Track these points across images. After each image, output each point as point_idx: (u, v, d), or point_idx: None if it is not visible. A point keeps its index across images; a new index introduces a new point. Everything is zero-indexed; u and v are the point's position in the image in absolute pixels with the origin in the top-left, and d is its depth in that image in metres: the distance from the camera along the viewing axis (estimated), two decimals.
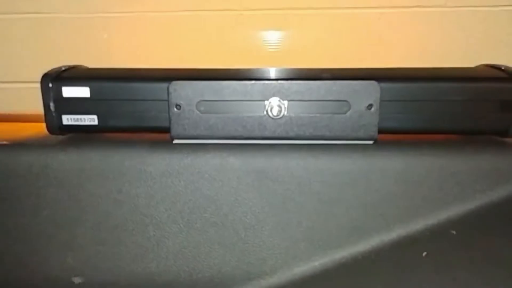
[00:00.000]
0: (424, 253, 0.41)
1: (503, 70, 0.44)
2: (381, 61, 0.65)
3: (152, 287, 0.45)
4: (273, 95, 0.43)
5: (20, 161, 0.44)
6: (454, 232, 0.42)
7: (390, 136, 0.45)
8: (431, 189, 0.43)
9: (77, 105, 0.44)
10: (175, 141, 0.45)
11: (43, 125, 0.46)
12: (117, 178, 0.44)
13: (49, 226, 0.44)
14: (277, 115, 0.43)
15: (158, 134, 0.45)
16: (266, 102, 0.43)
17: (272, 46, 0.67)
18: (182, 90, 0.43)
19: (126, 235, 0.45)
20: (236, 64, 0.66)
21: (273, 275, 0.44)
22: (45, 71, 0.46)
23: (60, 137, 0.47)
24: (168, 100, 0.43)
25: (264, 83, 0.43)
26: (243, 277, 0.44)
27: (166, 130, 0.44)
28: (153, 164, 0.44)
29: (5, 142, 0.46)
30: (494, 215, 0.42)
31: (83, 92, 0.44)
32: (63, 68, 0.47)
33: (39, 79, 0.45)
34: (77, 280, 0.46)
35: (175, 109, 0.43)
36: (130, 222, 0.44)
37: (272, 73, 0.46)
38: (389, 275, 0.41)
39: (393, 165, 0.43)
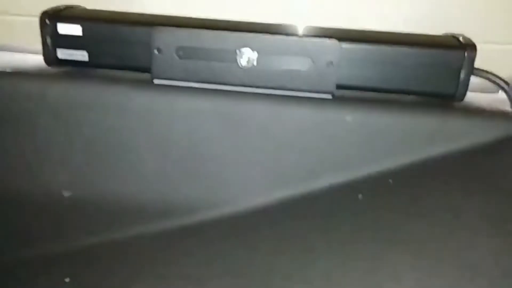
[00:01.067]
0: (360, 195, 0.47)
1: (458, 40, 0.48)
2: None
3: (130, 204, 0.52)
4: (244, 46, 0.47)
5: (19, 87, 0.51)
6: (391, 181, 0.47)
7: (351, 92, 0.50)
8: (377, 141, 0.48)
9: (70, 41, 0.50)
10: (155, 81, 0.50)
11: (42, 57, 0.51)
12: (103, 110, 0.50)
13: (43, 147, 0.51)
14: (246, 65, 0.48)
15: (141, 73, 0.51)
16: (238, 52, 0.47)
17: None
18: (163, 36, 0.48)
19: (110, 159, 0.51)
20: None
21: (233, 204, 0.51)
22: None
23: (56, 69, 0.52)
24: (151, 44, 0.48)
25: (236, 34, 0.47)
26: (208, 204, 0.51)
27: (148, 70, 0.49)
28: (134, 99, 0.49)
29: (7, 70, 0.52)
30: (432, 170, 0.48)
31: (75, 30, 0.49)
32: (61, 7, 0.52)
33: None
34: (66, 193, 0.53)
35: (156, 52, 0.48)
36: (113, 148, 0.51)
37: (247, 26, 0.50)
38: (328, 214, 0.47)
39: (346, 118, 0.48)
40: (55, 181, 0.52)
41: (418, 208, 0.45)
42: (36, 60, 0.53)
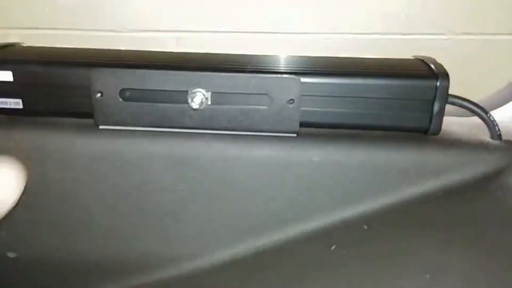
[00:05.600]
0: (333, 247, 0.42)
1: (430, 67, 0.44)
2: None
3: (82, 265, 0.47)
4: (195, 86, 0.42)
5: None
6: (366, 227, 0.43)
7: (315, 129, 0.46)
8: (349, 182, 0.44)
9: (0, 89, 0.44)
10: (101, 127, 0.45)
11: None
12: (42, 161, 0.44)
13: None
14: (200, 107, 0.43)
15: (84, 119, 0.46)
16: (189, 93, 0.43)
17: None
18: (104, 78, 0.43)
19: (54, 216, 0.46)
20: None
21: (194, 259, 0.46)
22: None
23: None
24: (93, 86, 0.43)
25: (186, 74, 0.42)
26: (167, 260, 0.46)
27: (91, 116, 0.44)
28: (77, 148, 0.44)
29: None
30: (408, 211, 0.43)
31: (5, 75, 0.44)
32: None
33: None
34: (11, 254, 0.48)
35: (98, 96, 0.43)
36: (56, 203, 0.46)
37: (197, 62, 0.45)
38: (298, 266, 0.43)
39: (313, 158, 0.43)
40: None
41: (396, 257, 0.40)
42: None
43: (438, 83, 0.42)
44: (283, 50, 0.73)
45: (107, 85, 0.43)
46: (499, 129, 0.45)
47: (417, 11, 0.68)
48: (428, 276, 0.37)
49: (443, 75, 0.42)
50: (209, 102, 0.43)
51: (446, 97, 0.43)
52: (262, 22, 0.74)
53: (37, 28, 0.78)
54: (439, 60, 0.45)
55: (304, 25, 0.72)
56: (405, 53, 0.50)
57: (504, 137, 0.45)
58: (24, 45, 0.50)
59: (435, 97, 0.42)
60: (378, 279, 0.39)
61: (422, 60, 0.46)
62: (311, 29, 0.71)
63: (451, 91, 0.43)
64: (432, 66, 0.44)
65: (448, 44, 0.69)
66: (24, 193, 0.45)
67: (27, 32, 0.79)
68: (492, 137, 0.46)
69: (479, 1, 0.67)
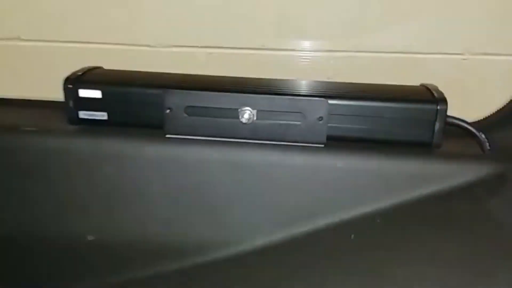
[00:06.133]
0: (352, 235, 0.53)
1: (432, 94, 0.55)
2: None
3: (146, 247, 0.58)
4: (244, 105, 0.54)
5: (46, 144, 0.57)
6: (379, 221, 0.54)
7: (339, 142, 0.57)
8: (366, 185, 0.54)
9: (91, 103, 0.56)
10: (168, 136, 0.56)
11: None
12: (120, 162, 0.56)
13: (68, 196, 0.57)
14: (247, 121, 0.54)
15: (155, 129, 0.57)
16: (239, 110, 0.54)
17: None
18: (173, 97, 0.54)
19: (127, 206, 0.58)
20: None
21: (241, 244, 0.57)
22: None
23: (77, 127, 0.59)
24: (163, 103, 0.55)
25: (237, 95, 0.54)
26: (217, 245, 0.57)
27: (161, 127, 0.56)
28: (149, 152, 0.56)
29: (33, 129, 0.59)
30: (414, 210, 0.54)
31: (95, 94, 0.56)
32: (81, 72, 0.58)
33: None
34: (90, 237, 0.60)
35: (168, 111, 0.55)
36: (130, 196, 0.57)
37: (246, 85, 0.57)
38: (325, 252, 0.53)
39: (337, 165, 0.54)
40: (79, 226, 0.58)
41: (402, 246, 0.51)
42: (59, 117, 0.60)
43: (438, 107, 0.53)
44: (307, 67, 0.82)
45: (175, 103, 0.54)
46: (488, 145, 0.56)
47: (436, 31, 0.74)
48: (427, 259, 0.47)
49: (442, 100, 0.53)
50: (255, 118, 0.54)
51: (445, 118, 0.53)
52: (286, 40, 0.82)
53: (74, 42, 0.86)
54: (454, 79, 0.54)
55: (327, 43, 0.80)
56: (422, 72, 0.60)
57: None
58: (105, 68, 0.62)
59: (436, 117, 0.53)
60: (391, 265, 0.50)
61: (427, 87, 0.57)
62: (335, 47, 0.80)
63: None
64: (434, 93, 0.55)
65: (467, 64, 0.75)
66: (103, 186, 0.57)
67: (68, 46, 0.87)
68: (483, 151, 0.56)
69: (498, 21, 0.72)
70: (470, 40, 0.69)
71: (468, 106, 0.63)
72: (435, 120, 0.53)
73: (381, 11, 0.69)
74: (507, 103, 0.65)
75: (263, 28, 0.78)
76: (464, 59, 0.70)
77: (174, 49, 0.88)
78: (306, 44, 0.75)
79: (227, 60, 0.86)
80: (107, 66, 0.68)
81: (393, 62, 0.73)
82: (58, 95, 0.60)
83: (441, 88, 0.57)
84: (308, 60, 0.77)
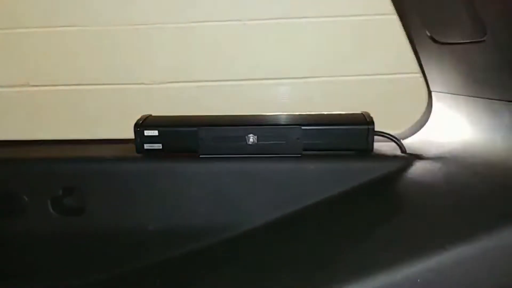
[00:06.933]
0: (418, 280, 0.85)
1: (365, 118, 0.88)
2: None
3: (187, 231, 0.89)
4: (249, 133, 0.86)
5: (121, 168, 0.89)
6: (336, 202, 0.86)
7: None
8: (327, 179, 0.87)
9: (152, 138, 0.88)
10: (201, 156, 0.88)
11: (133, 146, 0.90)
12: (172, 176, 0.88)
13: (136, 201, 0.89)
14: (252, 143, 0.87)
15: (192, 152, 0.89)
16: (246, 137, 0.86)
17: None
18: (204, 132, 0.87)
19: (176, 205, 0.89)
20: None
21: (248, 223, 0.88)
22: None
23: (142, 154, 0.90)
24: (197, 136, 0.87)
25: (244, 128, 0.87)
26: (233, 225, 0.88)
27: (195, 150, 0.88)
28: (190, 168, 0.88)
29: (112, 158, 0.90)
30: (359, 193, 0.86)
31: (154, 132, 0.88)
32: (141, 121, 0.90)
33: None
34: (151, 227, 0.90)
35: (201, 140, 0.87)
36: (178, 197, 0.89)
37: (249, 120, 0.89)
38: (301, 226, 0.85)
39: (310, 167, 0.87)
40: (143, 220, 0.89)
41: (348, 218, 0.83)
42: (128, 149, 0.92)
43: (368, 127, 0.86)
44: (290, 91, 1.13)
45: (206, 134, 0.87)
46: (404, 148, 0.89)
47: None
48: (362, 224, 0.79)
49: (371, 122, 0.86)
50: (256, 141, 0.87)
51: (373, 133, 0.86)
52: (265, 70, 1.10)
53: (81, 84, 1.08)
54: None
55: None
56: None
57: (408, 151, 0.89)
58: (154, 115, 0.94)
59: (368, 133, 0.86)
60: (341, 225, 0.81)
61: (363, 114, 0.90)
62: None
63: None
64: (367, 118, 0.88)
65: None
66: (160, 192, 0.88)
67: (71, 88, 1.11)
68: (401, 152, 0.89)
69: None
70: None
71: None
72: (368, 134, 0.86)
73: None
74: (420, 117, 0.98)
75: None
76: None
77: (167, 85, 1.09)
78: None
79: (215, 90, 1.09)
80: (109, 102, 1.00)
81: None
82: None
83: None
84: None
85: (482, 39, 0.71)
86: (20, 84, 1.11)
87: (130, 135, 0.89)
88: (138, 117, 0.92)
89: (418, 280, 0.61)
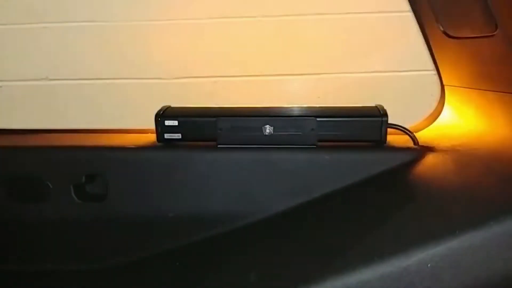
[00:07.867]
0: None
1: (379, 111, 0.90)
2: None
3: (204, 216, 0.92)
4: (266, 124, 0.89)
5: (143, 155, 0.92)
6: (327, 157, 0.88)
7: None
8: (342, 169, 0.89)
9: (171, 129, 0.91)
10: (219, 146, 0.91)
11: (154, 136, 0.93)
12: (190, 165, 0.91)
13: (153, 187, 0.92)
14: (268, 134, 0.89)
15: (210, 142, 0.92)
16: (262, 127, 0.89)
17: None
18: (223, 122, 0.90)
19: (193, 192, 0.92)
20: None
21: (262, 212, 0.91)
22: None
23: (163, 144, 0.94)
24: (216, 126, 0.90)
25: (261, 119, 0.89)
26: (246, 214, 0.91)
27: (214, 140, 0.91)
28: (208, 157, 0.91)
29: (133, 146, 0.94)
30: (371, 183, 0.88)
31: (174, 122, 0.91)
32: (164, 109, 0.94)
33: None
34: (171, 214, 0.93)
35: (219, 130, 0.90)
36: (196, 185, 0.92)
37: (266, 112, 0.92)
38: (316, 213, 0.87)
39: (325, 157, 0.89)
40: (163, 207, 0.92)
41: (362, 206, 0.85)
42: (149, 139, 0.95)
43: (382, 119, 0.88)
44: (296, 90, 1.16)
45: (224, 125, 0.90)
46: (417, 141, 0.91)
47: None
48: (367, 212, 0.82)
49: (384, 115, 0.88)
50: (272, 132, 0.90)
51: (387, 125, 0.88)
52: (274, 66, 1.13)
53: (99, 78, 1.11)
54: None
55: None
56: None
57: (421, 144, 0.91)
58: (174, 106, 0.98)
59: (381, 125, 0.88)
60: (353, 218, 0.84)
61: (377, 107, 0.92)
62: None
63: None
64: (380, 110, 0.90)
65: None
66: (179, 180, 0.91)
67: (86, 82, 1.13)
68: (414, 144, 0.91)
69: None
70: None
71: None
72: (381, 126, 0.89)
73: None
74: (432, 111, 1.01)
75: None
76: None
77: (183, 80, 1.12)
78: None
79: (230, 86, 1.11)
80: (126, 96, 1.04)
81: None
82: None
83: None
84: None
85: (493, 33, 0.73)
86: (40, 78, 1.14)
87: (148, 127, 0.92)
88: (155, 111, 0.95)
89: (429, 265, 0.63)
